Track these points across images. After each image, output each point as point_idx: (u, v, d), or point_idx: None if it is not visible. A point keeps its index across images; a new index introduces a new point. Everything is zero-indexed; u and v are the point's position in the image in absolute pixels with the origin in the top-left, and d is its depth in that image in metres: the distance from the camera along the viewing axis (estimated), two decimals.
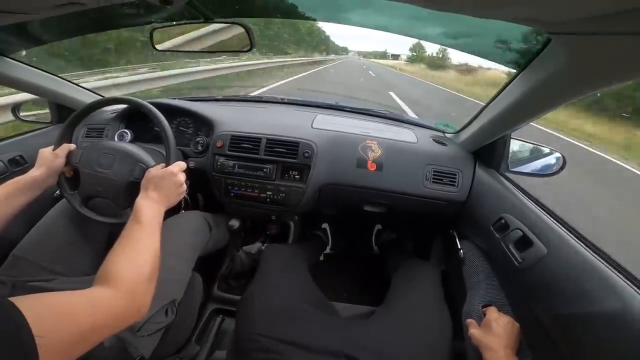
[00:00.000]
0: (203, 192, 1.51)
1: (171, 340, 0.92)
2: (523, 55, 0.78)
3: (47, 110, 1.39)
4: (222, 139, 1.24)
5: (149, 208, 0.76)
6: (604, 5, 0.43)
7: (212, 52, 0.87)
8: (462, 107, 10.69)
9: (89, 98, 1.36)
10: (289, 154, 1.21)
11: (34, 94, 1.24)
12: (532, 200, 0.98)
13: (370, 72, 23.20)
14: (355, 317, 1.06)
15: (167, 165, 0.90)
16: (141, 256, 0.65)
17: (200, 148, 1.30)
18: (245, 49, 0.90)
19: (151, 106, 0.97)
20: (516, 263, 0.85)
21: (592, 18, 0.47)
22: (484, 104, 1.09)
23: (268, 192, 1.25)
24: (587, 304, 0.64)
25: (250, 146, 1.22)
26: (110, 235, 1.08)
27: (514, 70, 0.87)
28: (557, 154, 1.16)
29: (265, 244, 1.54)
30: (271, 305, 0.89)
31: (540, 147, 1.19)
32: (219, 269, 1.48)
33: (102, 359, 0.73)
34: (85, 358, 0.47)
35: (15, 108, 1.35)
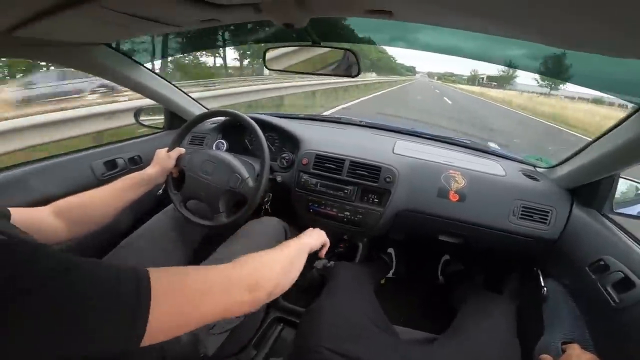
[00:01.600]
0: (277, 204, 1.59)
1: (233, 341, 0.94)
2: None
3: (162, 117, 1.58)
4: (308, 157, 1.30)
5: (305, 242, 0.81)
6: None
7: (318, 74, 0.93)
8: None
9: (197, 109, 1.53)
10: (370, 177, 1.23)
11: (156, 101, 1.42)
12: (637, 242, 0.91)
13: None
14: (417, 341, 1.04)
15: (261, 177, 0.99)
16: (274, 258, 0.66)
17: (285, 164, 1.38)
18: (352, 74, 0.95)
19: (252, 121, 1.06)
20: (612, 303, 0.80)
21: None
22: (589, 140, 1.02)
23: (346, 213, 1.28)
24: None
25: (334, 166, 1.26)
26: (204, 239, 1.19)
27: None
28: None
29: (331, 262, 1.55)
30: (338, 320, 0.90)
31: None
32: None
33: (174, 352, 0.76)
34: (159, 347, 0.48)
35: (137, 113, 1.56)
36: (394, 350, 0.88)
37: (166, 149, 1.08)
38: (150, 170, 1.00)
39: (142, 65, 1.21)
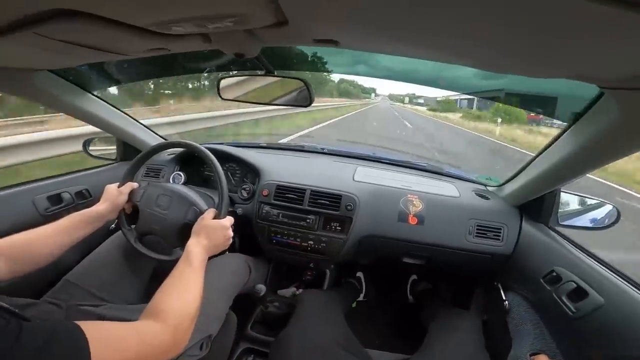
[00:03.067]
0: (241, 235, 1.56)
1: None
2: (573, 109, 0.79)
3: (114, 147, 1.51)
4: (269, 188, 1.30)
5: (200, 253, 0.81)
6: None
7: (271, 104, 0.92)
8: None
9: (152, 139, 1.48)
10: (331, 206, 1.25)
11: (106, 130, 1.35)
12: (585, 252, 0.97)
13: None
14: None
15: (219, 212, 0.95)
16: (189, 296, 0.69)
17: (246, 195, 1.38)
18: (304, 104, 0.95)
19: (209, 153, 1.03)
20: (570, 313, 0.85)
21: None
22: (529, 158, 1.09)
23: (310, 242, 1.28)
24: None
25: (295, 197, 1.28)
26: (155, 270, 1.13)
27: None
28: (610, 206, 1.12)
29: (300, 289, 1.55)
30: (308, 347, 0.90)
31: (592, 199, 1.16)
32: (254, 310, 1.48)
33: None
34: None
35: (86, 143, 1.47)
36: None
37: (116, 184, 1.03)
38: (100, 207, 0.95)
39: (90, 92, 1.16)
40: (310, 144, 1.82)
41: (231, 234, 0.94)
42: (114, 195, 0.99)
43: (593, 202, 1.16)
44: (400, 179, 1.43)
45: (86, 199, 1.28)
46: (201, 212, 0.96)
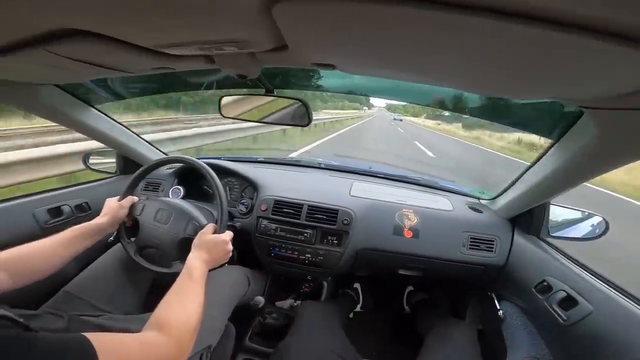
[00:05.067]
0: (239, 248, 1.58)
1: None
2: (557, 126, 0.83)
3: (113, 161, 1.52)
4: (267, 203, 1.34)
5: (200, 268, 0.83)
6: (633, 84, 0.46)
7: (270, 123, 0.94)
8: None
9: (152, 153, 1.50)
10: (328, 221, 1.28)
11: (108, 145, 1.37)
12: (575, 263, 1.01)
13: None
14: None
15: (219, 226, 0.98)
16: (191, 308, 0.71)
17: (244, 209, 1.41)
18: (302, 124, 0.97)
19: (209, 169, 1.06)
20: (561, 321, 0.88)
21: (623, 95, 0.50)
22: (520, 172, 1.13)
23: (307, 255, 1.31)
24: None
25: (293, 211, 1.31)
26: (154, 282, 1.15)
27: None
28: (599, 218, 1.15)
29: (298, 301, 1.56)
30: (306, 357, 0.92)
31: (582, 211, 1.19)
32: (252, 321, 1.49)
33: None
34: None
35: (86, 157, 1.49)
36: None
37: (117, 197, 1.05)
38: (101, 220, 0.97)
39: (94, 107, 1.18)
40: (307, 158, 1.84)
41: (231, 248, 0.96)
42: (115, 208, 1.01)
43: (583, 214, 1.19)
44: (395, 194, 1.47)
45: (86, 212, 1.29)
46: (200, 227, 0.98)
